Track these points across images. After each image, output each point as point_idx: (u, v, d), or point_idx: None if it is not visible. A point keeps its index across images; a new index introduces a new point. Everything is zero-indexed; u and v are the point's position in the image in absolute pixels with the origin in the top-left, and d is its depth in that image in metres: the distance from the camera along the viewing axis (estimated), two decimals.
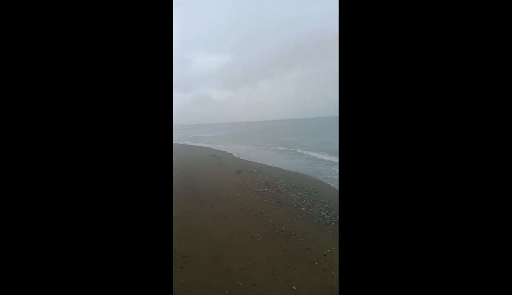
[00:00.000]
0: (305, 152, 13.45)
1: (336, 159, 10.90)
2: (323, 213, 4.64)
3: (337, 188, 6.34)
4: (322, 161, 10.85)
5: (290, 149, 15.07)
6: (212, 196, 5.63)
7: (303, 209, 4.88)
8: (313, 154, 12.72)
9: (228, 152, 14.60)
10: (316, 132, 28.85)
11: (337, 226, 3.82)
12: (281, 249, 3.26)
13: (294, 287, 2.53)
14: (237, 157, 12.56)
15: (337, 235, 3.52)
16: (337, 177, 8.10)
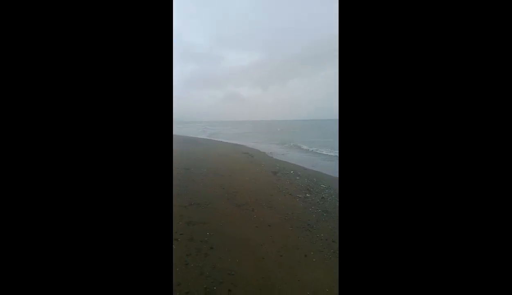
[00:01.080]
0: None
1: None
2: None
3: None
4: None
5: (325, 151, 14.22)
6: (251, 198, 5.18)
7: None
8: None
9: (261, 150, 14.16)
10: None
11: None
12: None
13: None
14: (270, 156, 12.06)
15: None
16: None
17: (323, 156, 13.05)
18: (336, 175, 8.27)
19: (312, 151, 14.73)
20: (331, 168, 9.61)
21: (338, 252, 3.20)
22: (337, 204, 5.15)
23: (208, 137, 25.10)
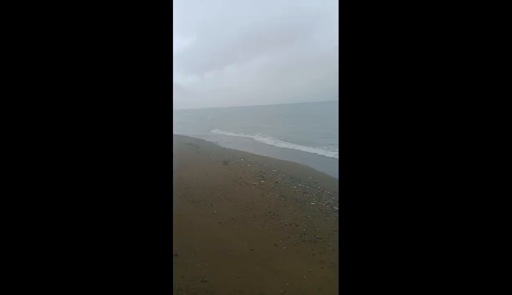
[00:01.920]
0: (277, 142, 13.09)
1: (294, 146, 11.25)
2: (335, 207, 4.25)
3: (333, 176, 6.15)
4: (301, 151, 10.56)
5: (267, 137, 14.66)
6: (206, 192, 4.91)
7: (312, 203, 4.44)
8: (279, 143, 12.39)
9: (206, 140, 13.65)
10: (285, 121, 28.96)
11: None
12: (316, 259, 2.76)
13: None
14: (216, 145, 11.74)
15: None
16: (320, 161, 8.18)
17: (254, 141, 13.64)
18: (283, 158, 8.59)
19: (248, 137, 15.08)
20: (276, 152, 9.96)
21: (304, 236, 3.28)
22: (291, 187, 5.32)
23: None
